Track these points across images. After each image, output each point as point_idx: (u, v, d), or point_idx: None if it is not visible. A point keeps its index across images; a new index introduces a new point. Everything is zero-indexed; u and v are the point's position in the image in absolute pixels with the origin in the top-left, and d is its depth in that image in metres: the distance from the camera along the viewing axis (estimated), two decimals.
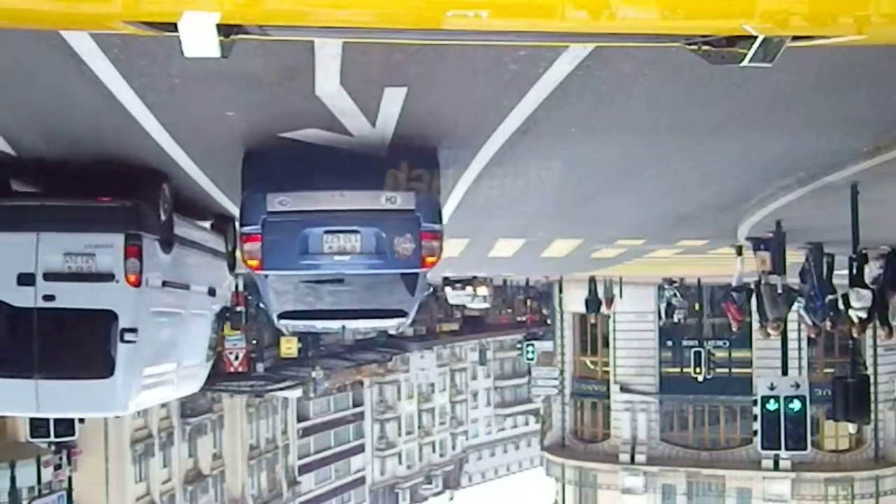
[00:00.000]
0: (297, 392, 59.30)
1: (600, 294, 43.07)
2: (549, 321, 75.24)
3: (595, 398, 53.49)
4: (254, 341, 54.19)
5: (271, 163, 8.87)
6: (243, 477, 60.75)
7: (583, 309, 49.24)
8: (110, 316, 9.38)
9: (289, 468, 70.48)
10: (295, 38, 4.38)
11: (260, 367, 49.53)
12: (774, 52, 3.64)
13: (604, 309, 43.35)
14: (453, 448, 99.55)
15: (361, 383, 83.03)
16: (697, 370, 42.36)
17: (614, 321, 52.11)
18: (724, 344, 49.40)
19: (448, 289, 50.26)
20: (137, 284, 9.40)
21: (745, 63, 3.69)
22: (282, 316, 10.99)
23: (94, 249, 9.40)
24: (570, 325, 54.60)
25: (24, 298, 9.24)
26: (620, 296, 43.53)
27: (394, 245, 8.92)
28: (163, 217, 10.09)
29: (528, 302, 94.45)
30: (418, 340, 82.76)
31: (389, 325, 12.68)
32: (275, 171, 8.93)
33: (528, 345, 47.75)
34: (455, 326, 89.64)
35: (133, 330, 9.36)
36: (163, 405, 48.33)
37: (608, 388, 52.65)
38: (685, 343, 50.00)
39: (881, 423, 50.97)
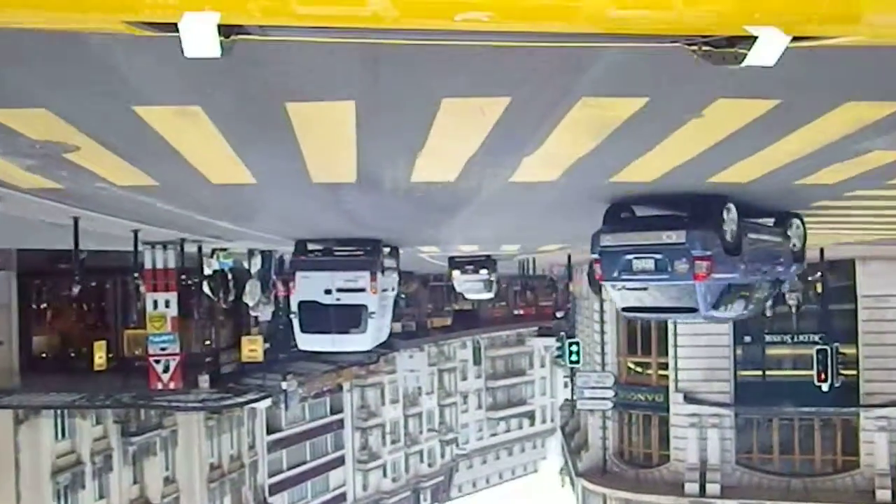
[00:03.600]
0: (265, 403, 47.76)
1: None
2: (566, 314, 63.40)
3: (649, 410, 40.43)
4: (206, 342, 41.46)
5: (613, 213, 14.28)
6: (203, 503, 51.74)
7: None
8: (365, 307, 19.74)
9: (258, 488, 61.47)
10: (295, 39, 3.96)
11: (204, 381, 36.10)
12: (775, 52, 3.55)
13: None
14: (442, 456, 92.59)
15: (340, 387, 72.44)
16: (823, 376, 29.43)
17: None
18: (821, 339, 37.14)
19: (456, 273, 37.59)
20: (375, 293, 19.84)
21: (745, 63, 3.60)
22: (625, 310, 15.70)
23: (356, 278, 19.56)
24: (614, 317, 41.39)
25: (328, 300, 19.60)
26: None
27: (674, 266, 13.20)
28: (387, 262, 21.85)
29: (528, 293, 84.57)
30: (406, 338, 70.86)
31: (682, 318, 17.61)
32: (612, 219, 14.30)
33: (570, 343, 34.63)
34: (447, 321, 78.42)
35: (373, 312, 19.77)
36: (98, 423, 43.21)
37: (667, 398, 39.65)
38: (769, 339, 37.67)
39: None
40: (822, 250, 29.66)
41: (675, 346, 39.40)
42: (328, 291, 19.58)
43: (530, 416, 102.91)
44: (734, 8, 3.34)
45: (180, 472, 50.10)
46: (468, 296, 50.35)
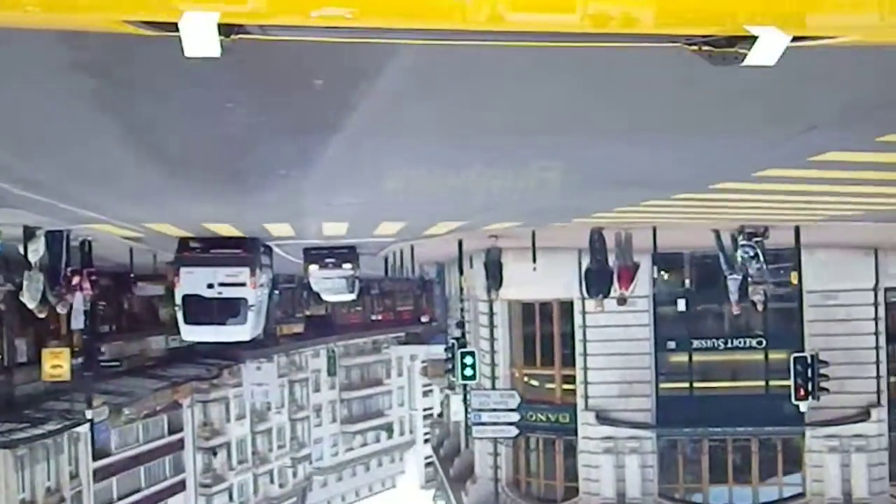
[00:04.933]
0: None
1: (609, 264, 23.01)
2: (431, 319, 56.05)
3: (552, 433, 33.06)
4: None
5: None
6: None
7: (532, 294, 29.59)
8: (245, 300, 20.75)
9: None
10: (295, 39, 3.90)
11: None
12: (775, 52, 3.56)
13: (616, 289, 22.86)
14: (295, 475, 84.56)
15: (179, 404, 63.28)
16: (802, 392, 22.41)
17: (583, 312, 31.68)
18: (759, 343, 30.69)
19: (313, 268, 29.58)
20: (254, 287, 20.87)
21: (745, 63, 3.61)
22: None
23: (238, 273, 20.56)
24: (506, 320, 33.85)
25: (210, 293, 20.46)
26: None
27: None
28: (264, 260, 22.41)
29: (387, 298, 77.52)
30: (253, 347, 62.09)
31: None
32: None
33: (463, 354, 26.73)
34: (299, 328, 70.21)
35: (253, 305, 20.84)
36: None
37: (574, 418, 32.36)
38: (697, 344, 30.95)
39: None
40: (797, 231, 22.59)
41: (584, 354, 32.10)
42: (210, 286, 20.66)
43: (388, 428, 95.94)
44: (734, 8, 3.38)
45: None
46: (327, 297, 42.27)
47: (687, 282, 30.60)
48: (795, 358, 23.02)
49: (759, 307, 22.24)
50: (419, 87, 6.87)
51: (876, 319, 30.89)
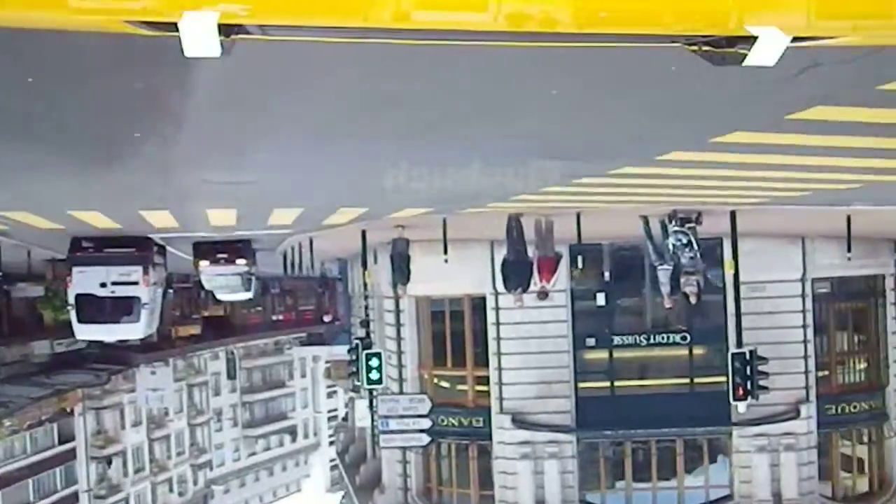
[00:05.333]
0: None
1: (528, 254, 20.83)
2: (334, 318, 53.42)
3: (465, 438, 30.77)
4: None
5: None
6: None
7: (442, 290, 27.50)
8: (138, 298, 21.17)
9: None
10: (295, 39, 3.95)
11: None
12: (775, 52, 3.58)
13: (536, 282, 20.63)
14: (195, 483, 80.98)
15: (70, 412, 59.83)
16: (741, 391, 20.43)
17: (497, 308, 29.46)
18: (683, 339, 28.85)
19: (204, 263, 27.06)
20: (147, 286, 21.15)
21: (745, 63, 3.62)
22: None
23: (130, 272, 20.87)
24: (414, 318, 31.47)
25: (103, 292, 20.81)
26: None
27: None
28: (157, 259, 22.60)
29: (289, 297, 74.74)
30: (146, 350, 59.06)
31: None
32: None
33: (368, 356, 24.18)
34: (195, 330, 66.99)
35: (146, 303, 21.25)
36: None
37: (489, 422, 30.04)
38: (618, 341, 29.06)
39: None
40: (732, 216, 20.63)
41: (499, 354, 29.85)
42: (103, 284, 20.78)
43: (291, 431, 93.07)
44: (735, 8, 3.35)
45: None
46: (221, 295, 39.48)
47: (606, 274, 28.69)
48: (733, 354, 20.98)
49: (693, 299, 20.18)
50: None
51: (804, 312, 29.27)
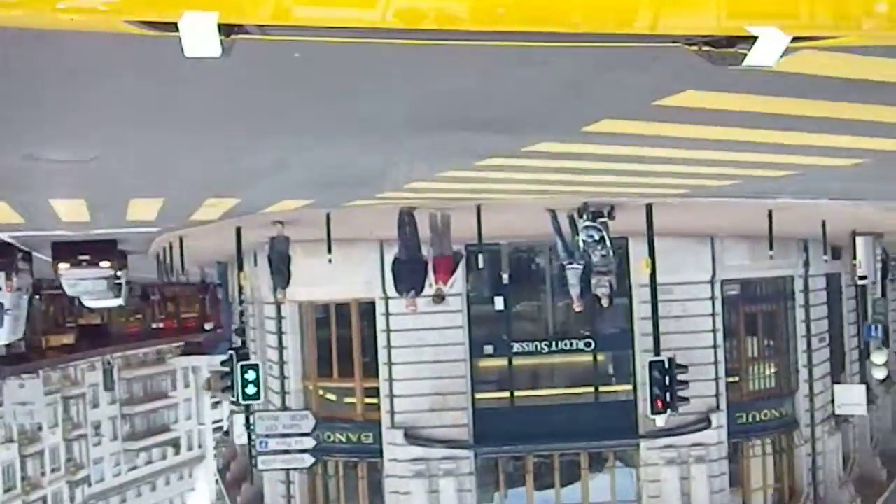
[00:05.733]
0: None
1: (422, 253, 18.54)
2: (216, 326, 50.25)
3: (353, 455, 28.28)
4: None
5: None
6: None
7: (327, 294, 25.32)
8: (1, 304, 21.11)
9: None
10: (296, 39, 3.93)
11: None
12: (775, 52, 3.49)
13: (431, 283, 18.27)
14: (72, 500, 77.31)
15: None
16: (660, 403, 18.40)
17: (387, 314, 27.05)
18: (588, 345, 26.90)
19: (63, 266, 24.30)
20: (10, 291, 21.28)
21: (746, 63, 3.52)
22: None
23: None
24: (297, 325, 28.85)
25: None
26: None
27: None
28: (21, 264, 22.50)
29: (170, 303, 71.29)
30: (14, 362, 55.13)
31: None
32: None
33: (244, 368, 21.46)
34: (68, 339, 63.26)
35: (9, 309, 21.30)
36: None
37: (379, 437, 27.55)
38: (518, 347, 26.95)
39: (820, 459, 29.35)
40: (648, 209, 18.55)
41: (389, 363, 27.38)
42: None
43: (175, 443, 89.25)
44: (735, 8, 3.34)
45: None
46: (87, 301, 36.31)
47: (505, 277, 26.51)
48: (651, 363, 18.92)
49: (605, 302, 18.08)
50: None
51: (713, 315, 27.50)
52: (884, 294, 31.97)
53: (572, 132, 9.22)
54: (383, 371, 27.33)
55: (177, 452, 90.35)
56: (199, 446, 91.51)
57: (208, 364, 51.22)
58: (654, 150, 10.61)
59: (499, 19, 3.25)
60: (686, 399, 19.52)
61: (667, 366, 18.57)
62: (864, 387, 30.86)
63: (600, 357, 27.68)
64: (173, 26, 3.20)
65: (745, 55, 3.47)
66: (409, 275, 18.38)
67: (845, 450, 31.89)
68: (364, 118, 8.47)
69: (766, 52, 3.45)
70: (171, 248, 28.33)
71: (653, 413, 18.88)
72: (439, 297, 18.64)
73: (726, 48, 3.50)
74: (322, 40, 3.84)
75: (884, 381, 34.28)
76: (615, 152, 10.84)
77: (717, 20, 3.33)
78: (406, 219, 18.21)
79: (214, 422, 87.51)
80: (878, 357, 30.45)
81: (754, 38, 3.39)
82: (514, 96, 7.61)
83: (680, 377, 18.98)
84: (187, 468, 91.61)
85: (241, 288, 24.41)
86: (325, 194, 15.98)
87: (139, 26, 3.33)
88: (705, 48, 3.56)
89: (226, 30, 3.26)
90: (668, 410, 18.62)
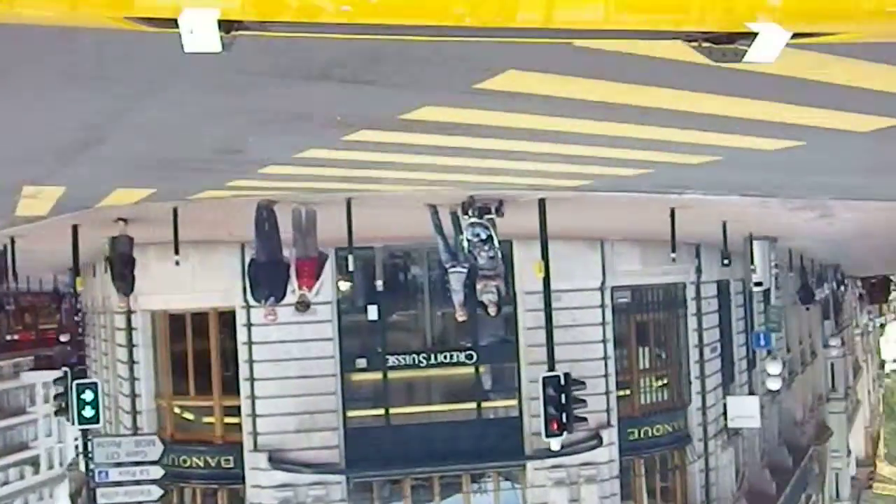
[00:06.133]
0: None
1: (284, 254, 16.00)
2: (72, 337, 46.50)
3: (212, 481, 25.50)
4: None
5: None
6: None
7: (183, 303, 23.06)
8: None
9: None
10: (295, 34, 3.87)
11: None
12: (775, 49, 3.43)
13: (294, 289, 15.70)
14: None
15: None
16: (556, 425, 16.17)
17: (249, 325, 24.36)
18: (469, 357, 24.69)
19: None
20: None
21: (746, 60, 3.49)
22: None
23: None
24: (149, 336, 25.92)
25: None
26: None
27: None
28: None
29: (25, 315, 66.73)
30: None
31: None
32: None
33: (80, 388, 18.44)
34: None
35: None
36: None
37: (241, 461, 24.76)
38: (393, 361, 24.68)
39: (713, 475, 27.79)
40: (542, 205, 16.35)
41: (251, 379, 24.67)
42: None
43: (34, 462, 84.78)
44: (735, 5, 3.35)
45: None
46: None
47: (379, 283, 24.10)
48: (546, 379, 16.62)
49: (492, 310, 15.79)
50: None
51: (603, 325, 25.56)
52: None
53: (464, 88, 7.26)
54: (245, 388, 24.60)
55: (36, 472, 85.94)
56: (61, 465, 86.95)
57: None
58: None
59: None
60: (584, 419, 17.39)
61: (562, 382, 16.33)
62: (756, 398, 29.42)
63: (482, 370, 25.50)
64: (174, 23, 3.15)
65: (745, 52, 3.43)
66: (268, 279, 15.76)
67: (736, 464, 30.40)
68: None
69: (767, 49, 3.38)
70: (4, 250, 25.17)
71: (547, 436, 16.63)
72: (303, 305, 16.04)
73: (726, 45, 3.48)
74: (322, 36, 3.85)
75: (769, 391, 33.12)
76: (509, 123, 8.82)
77: (718, 17, 3.34)
78: (264, 214, 15.65)
79: (76, 439, 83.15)
80: (773, 367, 29.05)
81: (754, 35, 3.35)
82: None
83: (576, 394, 16.76)
84: (47, 488, 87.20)
85: (76, 295, 21.51)
86: (165, 182, 13.41)
87: (139, 23, 3.32)
88: (705, 44, 3.54)
89: (226, 25, 3.21)
90: (565, 432, 16.40)
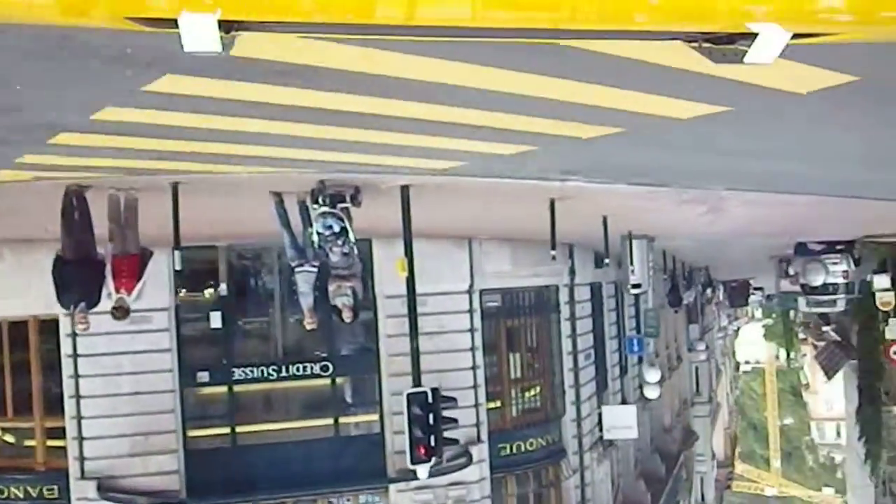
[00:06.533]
0: None
1: (96, 250, 13.36)
2: None
3: None
4: None
5: None
6: None
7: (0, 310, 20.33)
8: None
9: None
10: (297, 34, 4.06)
11: None
12: (775, 49, 3.42)
13: (111, 293, 13.02)
14: None
15: None
16: (424, 450, 13.83)
17: (74, 335, 21.40)
18: (325, 368, 22.31)
19: None
20: None
21: (746, 60, 3.48)
22: None
23: None
24: None
25: None
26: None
27: None
28: None
29: None
30: None
31: None
32: None
33: None
34: None
35: None
36: None
37: (67, 490, 21.66)
38: (240, 374, 22.16)
39: (589, 491, 26.06)
40: (404, 193, 14.04)
41: (77, 397, 21.69)
42: None
43: None
44: (735, 5, 3.30)
45: None
46: None
47: (223, 287, 21.55)
48: (411, 395, 14.26)
49: (347, 315, 13.56)
50: None
51: (472, 331, 23.41)
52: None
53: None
54: (70, 407, 21.58)
55: None
56: None
57: None
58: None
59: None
60: (455, 440, 15.16)
61: (429, 399, 14.01)
62: (634, 407, 27.74)
63: (340, 382, 23.11)
64: (174, 23, 3.15)
65: (746, 52, 3.38)
66: (77, 281, 13.05)
67: (612, 476, 28.72)
68: None
69: (766, 50, 3.35)
70: None
71: (413, 462, 14.27)
72: (121, 311, 13.31)
73: (726, 45, 3.42)
74: (321, 37, 4.03)
75: (641, 397, 31.67)
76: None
77: (718, 17, 3.27)
78: (73, 202, 12.99)
79: None
80: (651, 374, 27.43)
81: (754, 35, 3.31)
82: None
83: (446, 413, 14.49)
84: None
85: None
86: None
87: (140, 23, 3.29)
88: (705, 45, 3.47)
89: (226, 26, 3.20)
90: (433, 458, 14.10)
